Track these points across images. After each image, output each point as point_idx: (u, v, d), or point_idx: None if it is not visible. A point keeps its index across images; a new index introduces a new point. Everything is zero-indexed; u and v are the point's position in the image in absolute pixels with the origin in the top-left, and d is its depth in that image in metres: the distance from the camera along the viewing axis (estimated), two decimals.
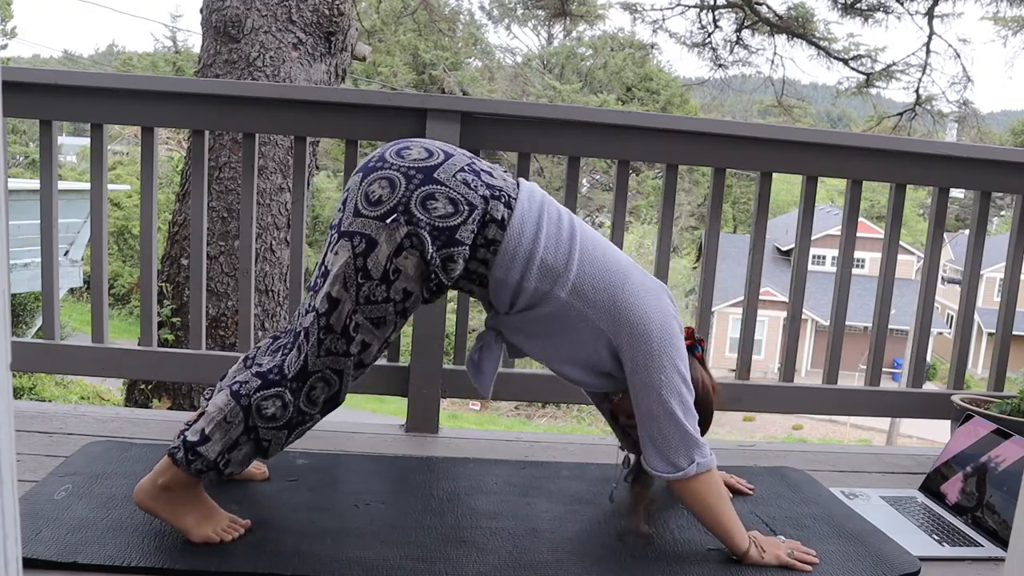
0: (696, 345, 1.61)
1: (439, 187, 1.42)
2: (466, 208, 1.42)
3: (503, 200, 1.46)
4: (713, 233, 2.38)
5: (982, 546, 1.68)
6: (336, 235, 1.46)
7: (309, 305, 1.49)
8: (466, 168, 1.46)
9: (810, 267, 2.52)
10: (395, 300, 1.44)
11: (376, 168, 1.45)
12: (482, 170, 1.49)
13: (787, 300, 2.55)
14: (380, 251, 1.41)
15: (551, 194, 1.61)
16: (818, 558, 1.56)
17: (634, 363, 1.48)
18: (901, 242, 2.52)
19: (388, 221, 1.40)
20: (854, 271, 2.48)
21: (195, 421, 1.49)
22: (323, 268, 1.47)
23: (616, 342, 1.49)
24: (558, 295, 1.47)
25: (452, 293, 1.74)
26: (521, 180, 1.57)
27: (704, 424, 1.57)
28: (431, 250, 1.41)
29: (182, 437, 1.47)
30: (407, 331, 2.29)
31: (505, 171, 1.58)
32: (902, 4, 9.45)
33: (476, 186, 1.44)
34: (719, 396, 1.64)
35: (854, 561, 1.57)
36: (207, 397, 1.64)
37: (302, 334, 1.48)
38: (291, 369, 1.47)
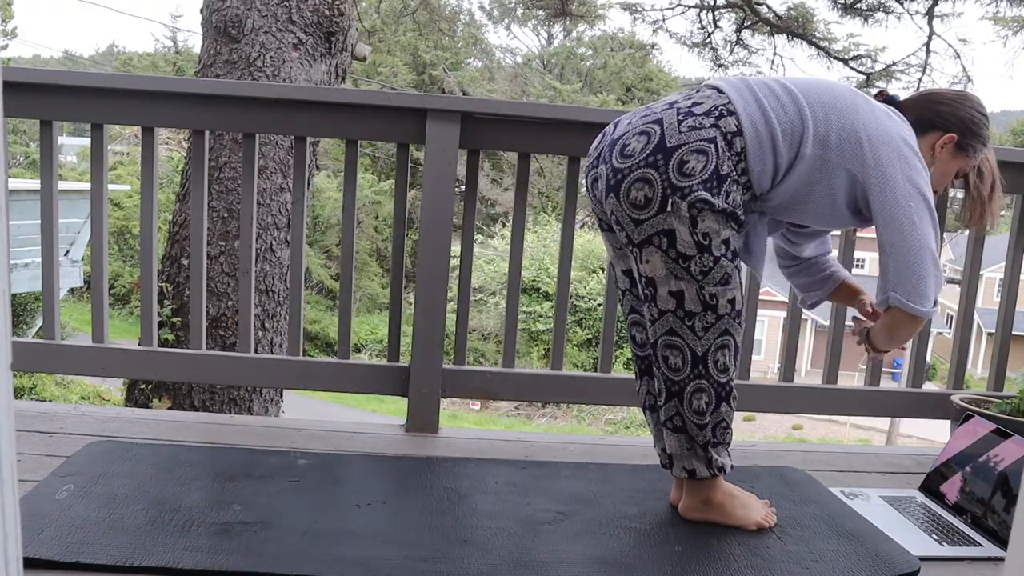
0: (893, 97, 1.70)
1: (679, 149, 1.50)
2: (710, 146, 1.50)
3: (725, 113, 1.53)
4: None
5: (982, 546, 1.68)
6: (633, 248, 1.58)
7: (653, 315, 1.59)
8: (681, 115, 1.54)
9: None
10: (723, 254, 1.53)
11: (620, 180, 1.54)
12: (690, 106, 1.55)
13: (787, 300, 2.55)
14: (681, 233, 1.51)
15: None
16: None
17: (881, 194, 1.53)
18: None
19: (669, 208, 1.50)
20: (854, 271, 2.48)
21: (672, 466, 1.69)
22: (644, 280, 1.59)
23: (863, 178, 1.54)
24: (804, 153, 1.54)
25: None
26: (718, 80, 1.61)
27: (981, 107, 1.68)
28: (717, 201, 1.49)
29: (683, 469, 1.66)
30: (407, 331, 2.30)
31: (696, 89, 1.63)
32: (902, 4, 9.44)
33: (701, 124, 1.52)
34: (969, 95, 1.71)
35: (854, 561, 1.57)
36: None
37: (667, 337, 1.58)
38: (686, 364, 1.58)
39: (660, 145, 1.52)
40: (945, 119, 1.67)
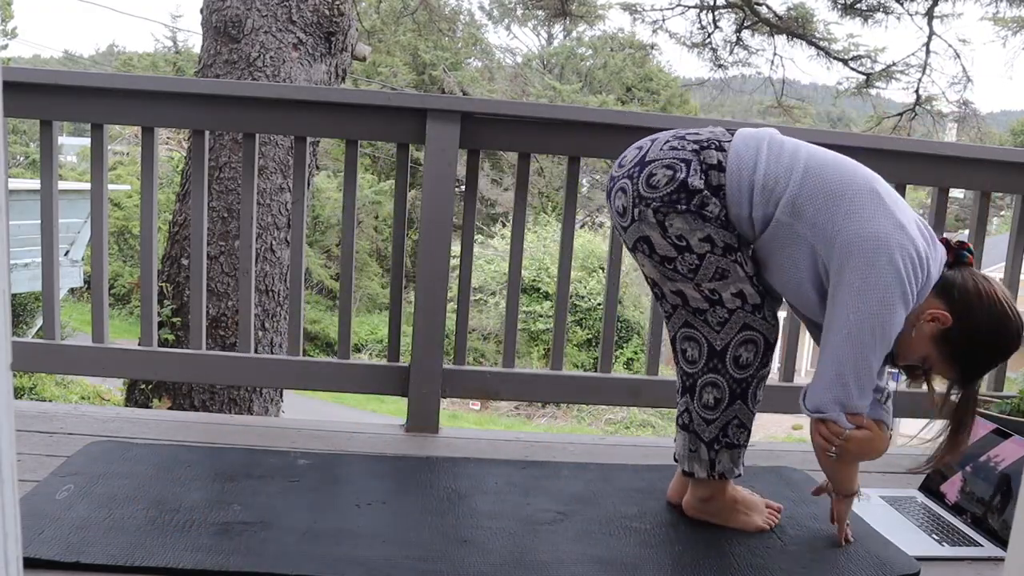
0: (963, 252, 1.53)
1: (652, 164, 1.57)
2: (681, 164, 1.54)
3: (714, 147, 1.56)
4: None
5: (982, 546, 1.68)
6: (631, 252, 1.65)
7: (667, 310, 1.66)
8: (671, 138, 1.59)
9: None
10: (707, 251, 1.54)
11: (611, 188, 1.65)
12: (687, 134, 1.60)
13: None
14: (655, 238, 1.56)
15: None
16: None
17: (834, 290, 1.47)
18: None
19: (637, 217, 1.57)
20: None
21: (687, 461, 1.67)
22: (649, 281, 1.68)
23: (828, 266, 1.49)
24: (776, 215, 1.52)
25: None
26: (750, 129, 1.63)
27: (996, 345, 1.47)
28: (681, 206, 1.52)
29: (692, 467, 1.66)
30: (407, 331, 2.30)
31: (715, 128, 1.65)
32: (902, 4, 9.44)
33: (683, 146, 1.56)
34: (1003, 307, 1.46)
35: (854, 561, 1.57)
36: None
37: (684, 329, 1.62)
38: (702, 356, 1.60)
39: (641, 158, 1.60)
40: (963, 303, 1.47)
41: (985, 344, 1.49)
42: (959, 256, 1.54)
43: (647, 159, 1.58)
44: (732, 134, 1.59)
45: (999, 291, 1.49)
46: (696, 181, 1.53)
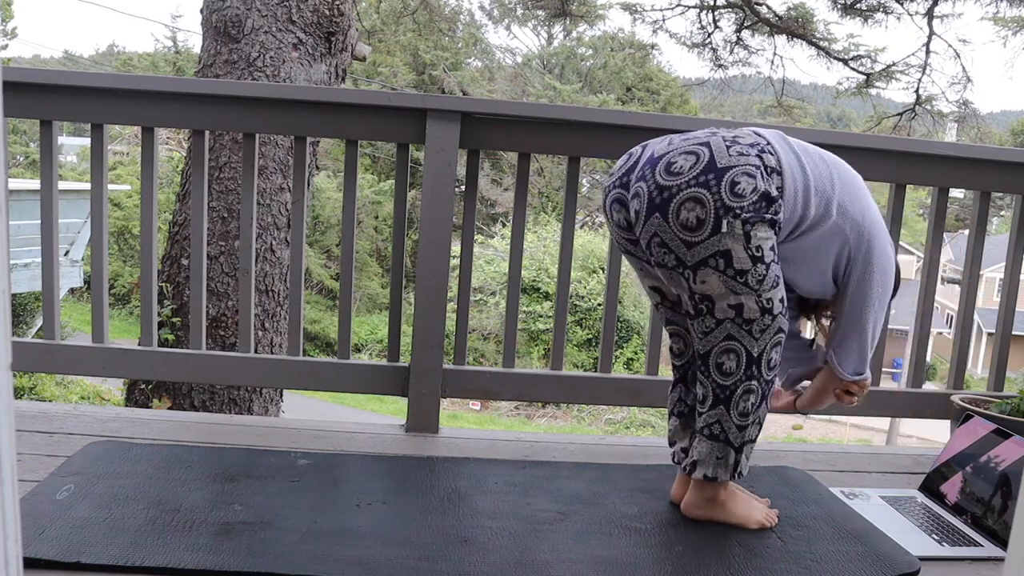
0: None
1: (731, 170, 1.51)
2: (756, 171, 1.53)
3: (767, 151, 1.57)
4: None
5: (982, 546, 1.68)
6: (686, 271, 1.55)
7: (709, 325, 1.57)
8: (727, 142, 1.56)
9: None
10: (772, 259, 1.56)
11: (667, 198, 1.52)
12: (736, 136, 1.59)
13: None
14: (737, 252, 1.52)
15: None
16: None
17: (863, 273, 1.64)
18: (901, 242, 2.52)
19: (724, 229, 1.50)
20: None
21: (692, 470, 1.68)
22: (697, 298, 1.57)
23: (855, 253, 1.64)
24: (831, 215, 1.59)
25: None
26: (755, 128, 1.68)
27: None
28: (768, 215, 1.53)
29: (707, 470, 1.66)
30: (407, 331, 2.30)
31: (743, 128, 1.68)
32: (902, 4, 9.44)
33: (747, 151, 1.55)
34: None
35: (854, 561, 1.57)
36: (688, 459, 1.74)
37: (726, 343, 1.58)
38: (740, 367, 1.59)
39: (711, 165, 1.52)
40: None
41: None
42: None
43: (722, 166, 1.51)
44: (761, 136, 1.61)
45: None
46: (772, 189, 1.53)
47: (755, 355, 1.58)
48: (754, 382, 1.59)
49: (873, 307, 1.66)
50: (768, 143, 1.58)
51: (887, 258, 1.66)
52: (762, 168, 1.53)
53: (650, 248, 1.58)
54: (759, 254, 1.52)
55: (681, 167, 1.53)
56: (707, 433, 1.64)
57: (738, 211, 1.49)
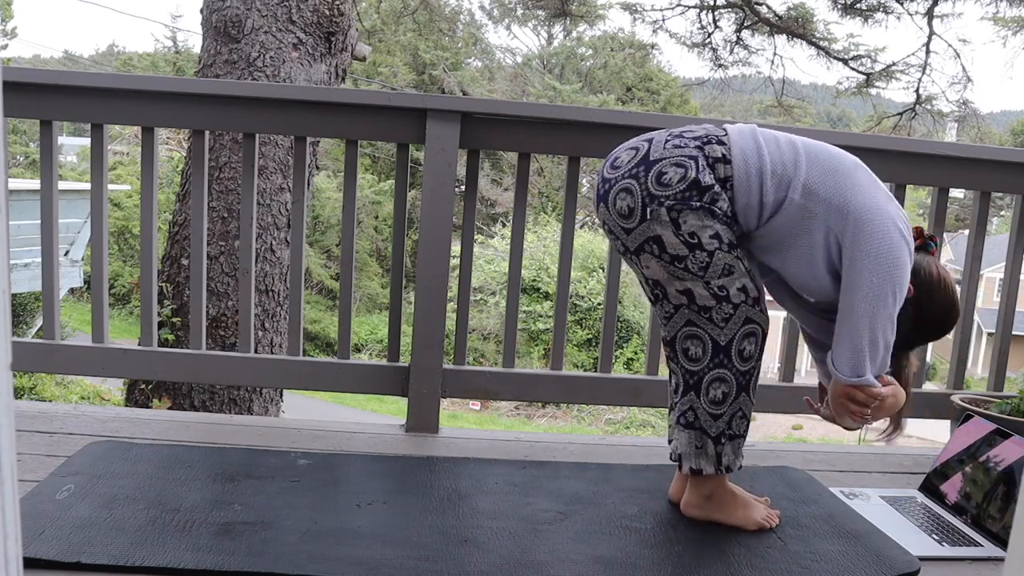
0: (928, 243, 1.69)
1: (660, 163, 1.59)
2: (690, 161, 1.58)
3: (715, 140, 1.60)
4: None
5: (982, 546, 1.68)
6: (631, 256, 1.64)
7: (668, 311, 1.63)
8: (670, 137, 1.63)
9: None
10: (716, 247, 1.57)
11: (608, 190, 1.64)
12: (683, 131, 1.65)
13: None
14: (668, 238, 1.57)
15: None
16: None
17: (851, 259, 1.54)
18: None
19: (649, 216, 1.57)
20: None
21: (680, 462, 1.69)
22: (650, 283, 1.65)
23: (841, 239, 1.56)
24: (792, 198, 1.57)
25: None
26: (729, 125, 1.68)
27: (943, 324, 1.68)
28: (695, 203, 1.55)
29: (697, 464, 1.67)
30: (407, 331, 2.30)
31: (706, 124, 1.70)
32: (902, 4, 9.44)
33: (685, 144, 1.60)
34: (953, 295, 1.68)
35: (854, 561, 1.57)
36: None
37: (687, 328, 1.61)
38: (706, 354, 1.60)
39: (644, 159, 1.61)
40: (927, 284, 1.65)
41: (935, 320, 1.68)
42: (926, 244, 1.69)
43: (652, 158, 1.60)
44: (723, 129, 1.65)
45: (952, 282, 1.70)
46: (707, 177, 1.56)
47: (722, 344, 1.60)
48: (724, 371, 1.61)
49: (867, 299, 1.52)
50: (724, 135, 1.61)
51: (885, 245, 1.52)
52: (700, 159, 1.57)
53: (609, 236, 1.69)
54: (694, 241, 1.56)
55: (622, 161, 1.64)
56: (682, 422, 1.67)
57: (662, 199, 1.56)
